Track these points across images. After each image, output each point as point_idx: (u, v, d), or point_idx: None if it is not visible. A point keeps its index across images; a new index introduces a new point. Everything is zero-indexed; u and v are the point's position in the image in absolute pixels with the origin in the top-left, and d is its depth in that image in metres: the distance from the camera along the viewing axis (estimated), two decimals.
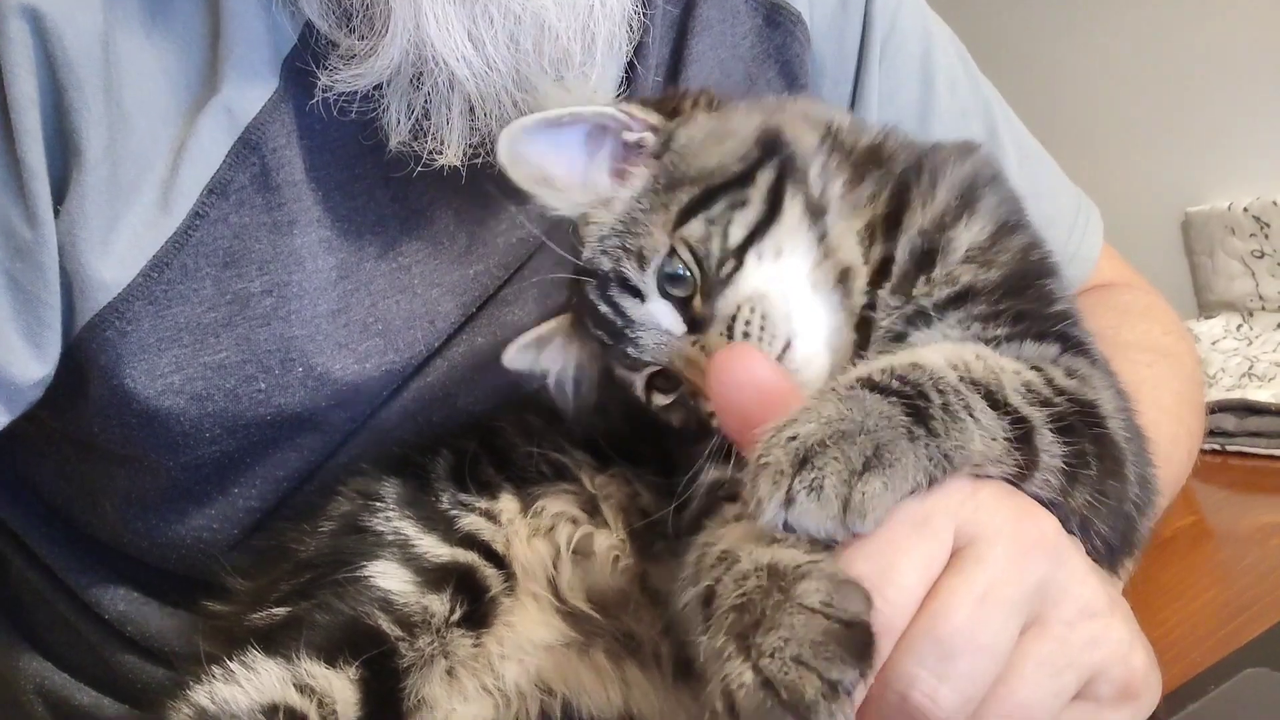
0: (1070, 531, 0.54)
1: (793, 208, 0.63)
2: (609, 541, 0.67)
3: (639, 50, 0.85)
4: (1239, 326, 1.52)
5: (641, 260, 0.63)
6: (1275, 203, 1.51)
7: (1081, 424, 0.54)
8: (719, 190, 0.64)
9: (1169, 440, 0.80)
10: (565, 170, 0.67)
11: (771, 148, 0.65)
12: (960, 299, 0.61)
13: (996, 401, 0.53)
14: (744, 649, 0.46)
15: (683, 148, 0.67)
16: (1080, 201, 1.05)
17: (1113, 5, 1.68)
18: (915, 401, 0.51)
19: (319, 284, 0.75)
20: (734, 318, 0.60)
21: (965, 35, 1.07)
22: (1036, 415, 0.53)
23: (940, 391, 0.52)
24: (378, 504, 0.70)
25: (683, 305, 0.63)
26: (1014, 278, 0.62)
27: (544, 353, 0.71)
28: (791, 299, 0.61)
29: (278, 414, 0.75)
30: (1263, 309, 1.55)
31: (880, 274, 0.63)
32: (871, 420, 0.50)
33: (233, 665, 0.62)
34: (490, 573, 0.67)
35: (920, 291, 0.61)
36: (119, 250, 0.70)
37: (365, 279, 0.77)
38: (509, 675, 0.65)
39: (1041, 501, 0.53)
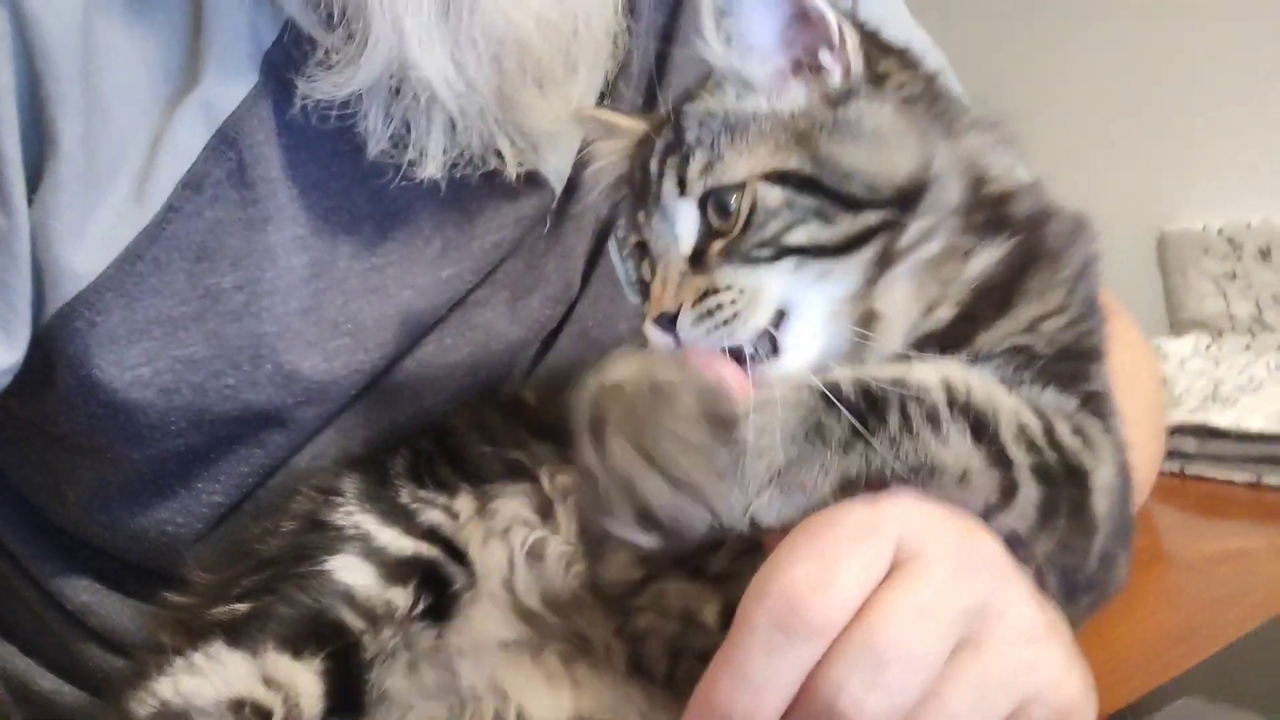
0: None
1: (864, 253, 0.58)
2: (561, 548, 0.68)
3: (624, 62, 0.85)
4: (1208, 346, 1.54)
5: (710, 169, 0.59)
6: (1249, 225, 1.52)
7: (1064, 481, 0.55)
8: (825, 190, 0.58)
9: None
10: (756, 33, 0.61)
11: (902, 202, 0.59)
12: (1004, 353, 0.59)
13: (982, 432, 0.53)
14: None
15: (845, 121, 0.59)
16: None
17: (1092, 22, 1.69)
18: (867, 418, 0.52)
19: (291, 281, 0.76)
20: (716, 291, 0.57)
21: (945, 51, 1.08)
22: (1020, 457, 0.54)
23: (904, 413, 0.52)
24: (337, 499, 0.71)
25: (705, 234, 0.59)
26: (1062, 353, 0.60)
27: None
28: (794, 315, 0.58)
29: (245, 410, 0.75)
30: (1233, 329, 1.57)
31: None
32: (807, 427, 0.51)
33: (196, 657, 0.62)
34: (454, 569, 0.68)
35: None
36: (91, 240, 0.70)
37: (338, 278, 0.77)
38: (465, 676, 0.66)
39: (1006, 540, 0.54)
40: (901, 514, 0.52)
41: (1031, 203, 0.63)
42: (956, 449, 0.53)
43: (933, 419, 0.53)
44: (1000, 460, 0.53)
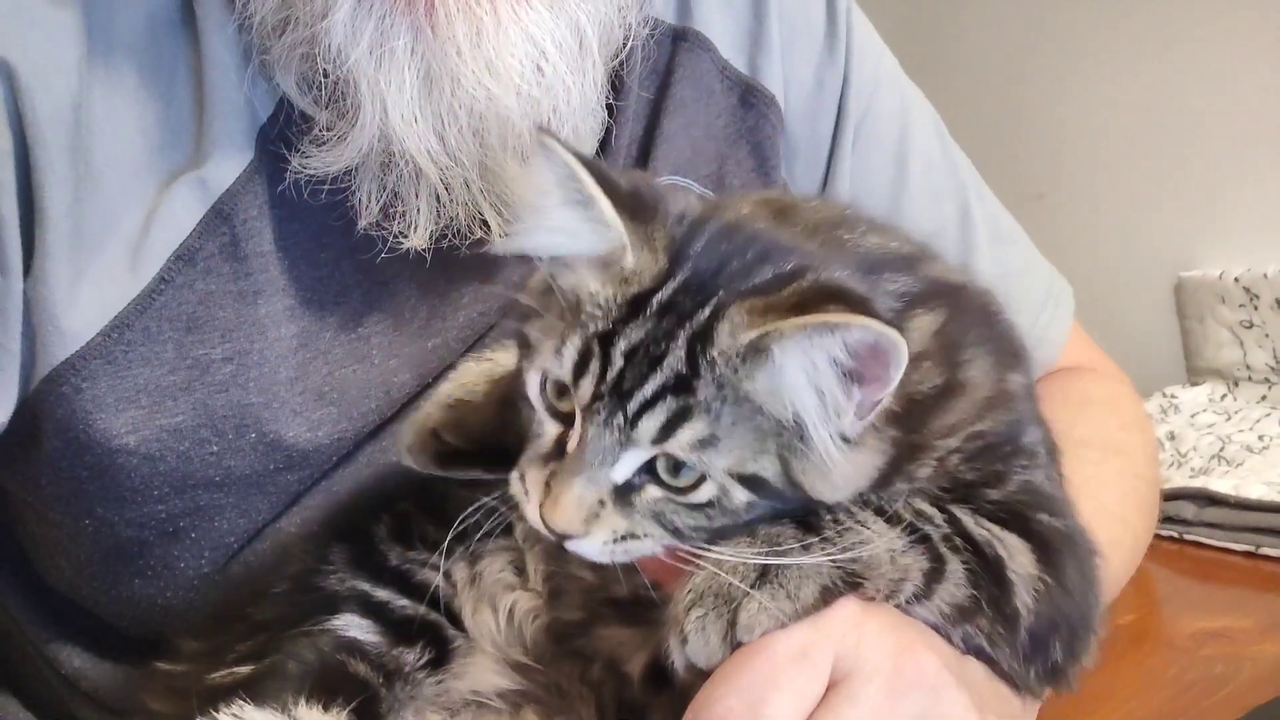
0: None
1: None
2: (530, 604, 0.68)
3: (613, 126, 0.86)
4: (1223, 396, 1.53)
5: (709, 446, 0.52)
6: (1265, 275, 1.50)
7: (976, 556, 0.56)
8: (776, 494, 0.54)
9: (1108, 543, 0.81)
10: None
11: None
12: None
13: (889, 517, 0.55)
14: None
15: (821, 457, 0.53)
16: (1051, 283, 1.05)
17: (1112, 71, 1.69)
18: (806, 518, 0.54)
19: (280, 352, 0.77)
20: (635, 537, 0.54)
21: (961, 99, 1.07)
22: (931, 531, 0.55)
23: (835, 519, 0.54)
24: (327, 567, 0.71)
25: (642, 473, 0.54)
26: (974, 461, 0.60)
27: None
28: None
29: (226, 475, 0.76)
30: (1249, 379, 1.55)
31: None
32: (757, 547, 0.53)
33: (222, 717, 0.61)
34: (453, 632, 0.69)
35: None
36: (82, 307, 0.72)
37: (324, 348, 0.79)
38: None
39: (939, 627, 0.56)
40: (840, 633, 0.52)
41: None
42: (881, 536, 0.54)
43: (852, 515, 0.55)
44: (919, 537, 0.55)
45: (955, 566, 0.55)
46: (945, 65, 1.26)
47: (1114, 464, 0.89)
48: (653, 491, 0.54)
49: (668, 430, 0.52)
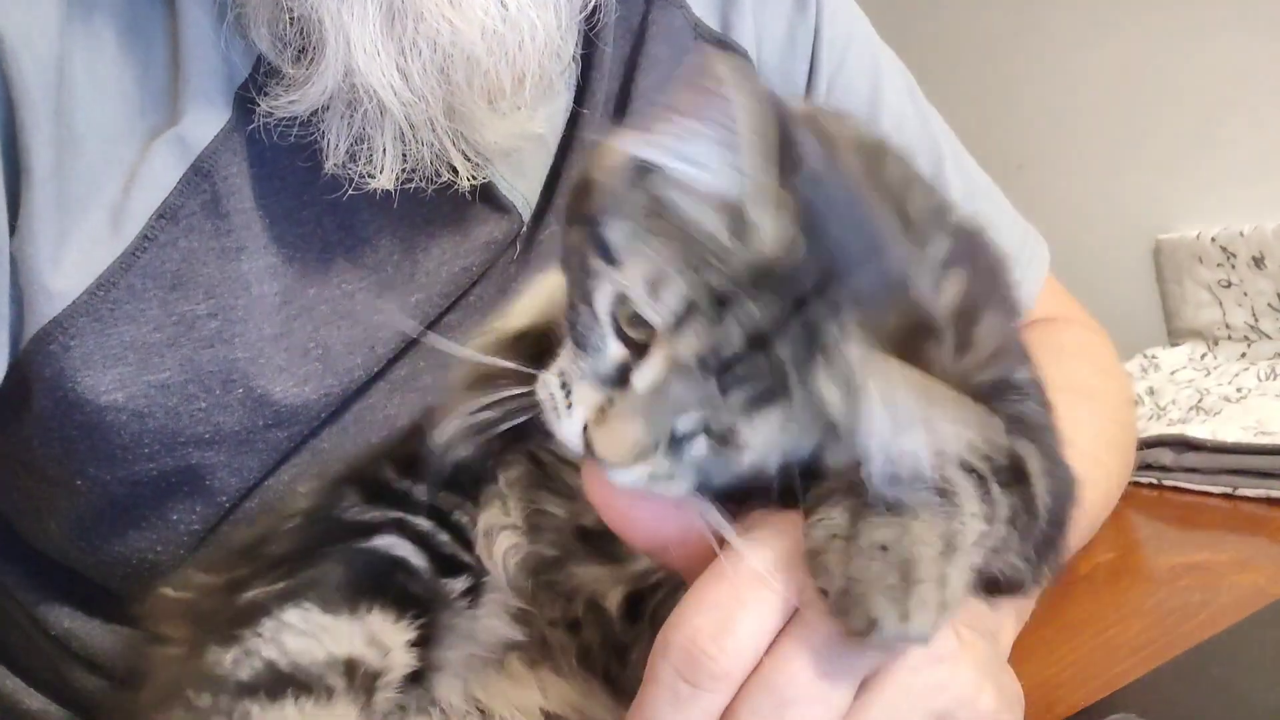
0: None
1: None
2: (513, 540, 0.67)
3: (587, 82, 0.88)
4: (1203, 355, 1.54)
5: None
6: (1242, 234, 1.52)
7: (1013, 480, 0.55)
8: None
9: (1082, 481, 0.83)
10: None
11: None
12: None
13: None
14: None
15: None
16: (1026, 237, 1.07)
17: (1087, 36, 1.70)
18: None
19: (264, 309, 0.78)
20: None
21: (937, 62, 1.09)
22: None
23: None
24: (344, 503, 0.67)
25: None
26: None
27: None
28: None
29: (216, 432, 0.77)
30: (1229, 337, 1.57)
31: None
32: None
33: (289, 618, 0.58)
34: (480, 570, 0.67)
35: None
36: (67, 267, 0.73)
37: (308, 304, 0.80)
38: (448, 695, 0.66)
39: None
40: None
41: None
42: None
43: None
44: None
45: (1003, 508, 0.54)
46: (925, 42, 1.28)
47: (1086, 407, 0.90)
48: (701, 445, 0.51)
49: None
